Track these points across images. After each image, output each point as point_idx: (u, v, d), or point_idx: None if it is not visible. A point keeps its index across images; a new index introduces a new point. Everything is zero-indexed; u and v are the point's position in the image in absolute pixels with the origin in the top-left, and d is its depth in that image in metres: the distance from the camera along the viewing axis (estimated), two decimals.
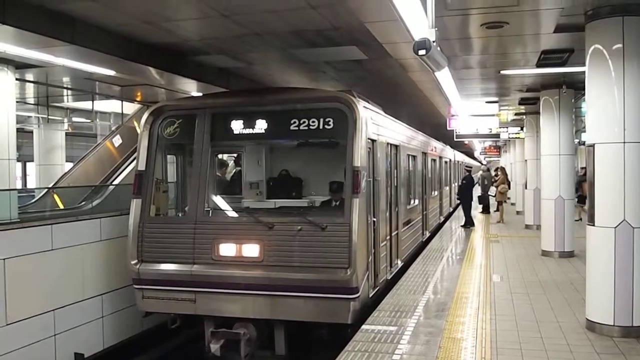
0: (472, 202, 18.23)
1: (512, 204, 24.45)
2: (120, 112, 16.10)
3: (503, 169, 22.15)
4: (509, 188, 21.92)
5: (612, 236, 6.46)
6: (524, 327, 6.90)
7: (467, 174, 19.06)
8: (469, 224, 17.72)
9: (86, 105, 16.52)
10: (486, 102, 16.16)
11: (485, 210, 22.27)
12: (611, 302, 6.49)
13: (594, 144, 6.66)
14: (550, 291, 8.86)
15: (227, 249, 7.78)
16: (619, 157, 6.43)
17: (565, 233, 11.91)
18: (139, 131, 8.76)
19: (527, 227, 17.15)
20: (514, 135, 21.78)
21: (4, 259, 7.18)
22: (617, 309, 6.46)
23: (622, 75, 6.40)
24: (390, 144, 9.98)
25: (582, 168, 18.70)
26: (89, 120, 18.80)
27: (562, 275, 10.08)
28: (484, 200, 22.59)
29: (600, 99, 6.63)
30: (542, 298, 8.43)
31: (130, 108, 16.52)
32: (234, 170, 11.70)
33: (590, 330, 6.70)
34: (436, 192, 18.54)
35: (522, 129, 20.16)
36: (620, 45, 6.37)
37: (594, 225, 6.69)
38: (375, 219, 8.49)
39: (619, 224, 6.42)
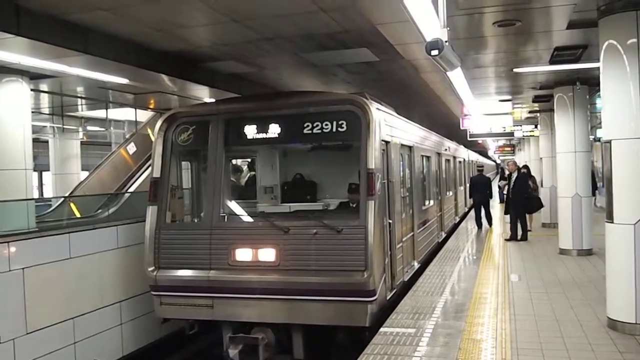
0: (490, 201, 17.65)
1: None
2: (134, 119, 16.20)
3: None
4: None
5: (631, 233, 6.38)
6: (544, 327, 6.83)
7: (479, 173, 18.68)
8: (489, 223, 17.46)
9: (100, 114, 16.64)
10: (499, 100, 16.08)
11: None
12: (633, 299, 6.40)
13: (610, 140, 6.59)
14: (569, 290, 8.77)
15: (243, 254, 7.79)
16: (636, 152, 6.36)
17: (583, 231, 11.79)
18: (153, 138, 8.81)
19: (544, 225, 17.02)
20: (528, 133, 21.56)
21: (22, 268, 7.24)
22: (639, 307, 6.37)
23: (637, 70, 6.31)
24: (404, 145, 9.95)
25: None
26: (103, 129, 18.94)
27: (581, 274, 9.98)
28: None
29: (616, 94, 6.56)
30: (561, 297, 8.35)
31: (143, 116, 16.61)
32: (248, 175, 11.73)
33: (612, 329, 6.62)
34: (451, 193, 18.44)
35: (536, 126, 19.98)
36: (634, 40, 6.29)
37: (612, 222, 6.61)
38: (390, 221, 8.46)
39: (639, 220, 6.34)
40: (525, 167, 17.61)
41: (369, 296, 7.24)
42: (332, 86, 13.01)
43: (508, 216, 14.90)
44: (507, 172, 16.43)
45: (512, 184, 14.64)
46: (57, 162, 18.85)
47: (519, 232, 14.26)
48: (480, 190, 17.15)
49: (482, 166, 20.30)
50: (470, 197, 18.36)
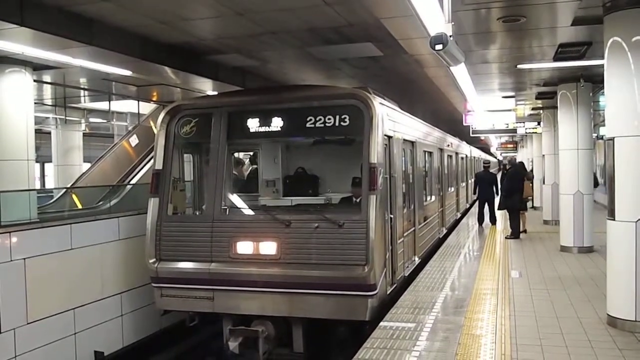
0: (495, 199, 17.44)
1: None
2: (137, 112, 16.21)
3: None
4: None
5: (633, 230, 6.38)
6: (543, 323, 6.84)
7: (485, 169, 18.59)
8: (492, 222, 17.22)
9: (103, 105, 16.66)
10: (503, 97, 16.05)
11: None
12: (633, 297, 6.41)
13: (613, 138, 6.58)
14: (570, 287, 8.78)
15: (244, 247, 7.80)
16: (639, 150, 6.35)
17: (584, 228, 11.79)
18: (155, 131, 8.81)
19: (545, 222, 17.01)
20: (531, 130, 21.53)
21: (24, 259, 7.26)
22: (639, 304, 6.38)
23: None
24: (407, 141, 9.94)
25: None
26: (105, 121, 18.94)
27: (582, 271, 9.98)
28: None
29: (620, 92, 6.55)
30: (561, 294, 8.35)
31: (146, 108, 16.62)
32: (251, 168, 11.73)
33: (612, 326, 6.63)
34: (453, 189, 18.42)
35: (539, 123, 19.96)
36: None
37: (614, 219, 6.61)
38: (392, 216, 8.46)
39: None
40: (516, 163, 17.26)
41: (369, 290, 7.25)
42: (335, 80, 13.00)
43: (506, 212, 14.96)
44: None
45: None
46: (60, 154, 18.86)
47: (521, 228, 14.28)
48: (484, 187, 17.02)
49: (489, 162, 20.12)
50: (474, 193, 18.34)
